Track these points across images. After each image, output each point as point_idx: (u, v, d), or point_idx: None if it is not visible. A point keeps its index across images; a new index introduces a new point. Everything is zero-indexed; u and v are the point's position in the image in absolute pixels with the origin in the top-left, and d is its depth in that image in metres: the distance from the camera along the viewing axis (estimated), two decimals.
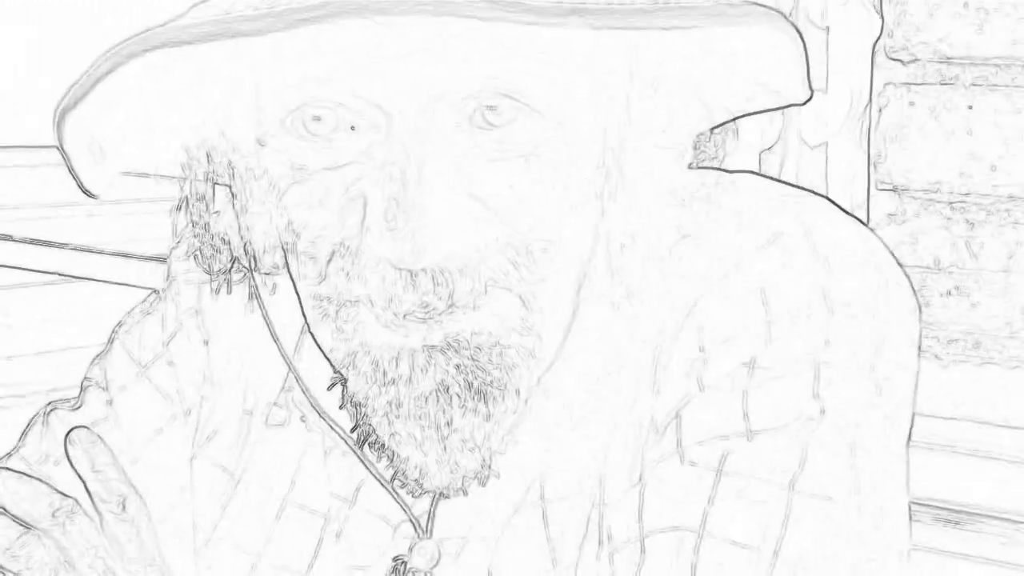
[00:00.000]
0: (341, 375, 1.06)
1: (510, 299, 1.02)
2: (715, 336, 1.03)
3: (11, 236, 2.37)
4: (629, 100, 1.05)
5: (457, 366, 1.02)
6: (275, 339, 1.14)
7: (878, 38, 1.57)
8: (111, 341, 1.23)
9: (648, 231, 1.06)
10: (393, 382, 1.02)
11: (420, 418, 1.02)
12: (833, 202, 1.09)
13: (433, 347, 1.01)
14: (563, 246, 1.03)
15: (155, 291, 1.25)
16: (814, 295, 1.02)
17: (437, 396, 1.02)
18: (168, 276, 1.23)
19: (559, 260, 1.03)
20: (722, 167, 1.11)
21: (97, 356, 1.24)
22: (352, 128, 1.01)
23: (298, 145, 1.02)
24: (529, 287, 1.02)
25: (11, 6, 2.42)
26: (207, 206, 1.10)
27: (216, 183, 1.09)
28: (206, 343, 1.19)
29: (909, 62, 1.59)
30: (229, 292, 1.15)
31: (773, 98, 1.06)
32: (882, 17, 1.55)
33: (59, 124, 1.06)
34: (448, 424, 1.02)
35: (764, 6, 1.01)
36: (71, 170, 1.08)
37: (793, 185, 1.11)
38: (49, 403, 1.24)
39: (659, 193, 1.06)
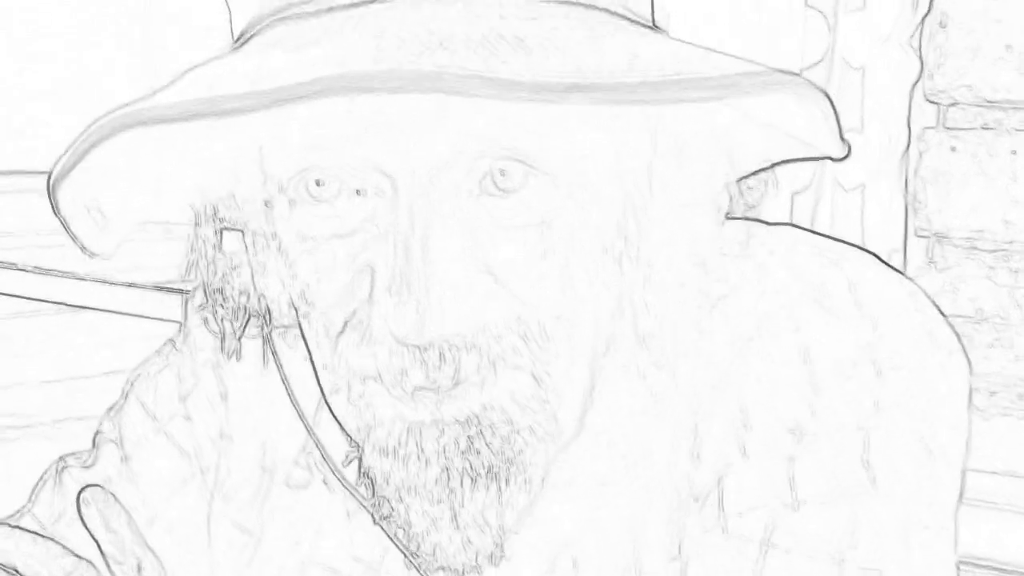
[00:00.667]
0: (358, 446, 1.02)
1: (522, 377, 0.98)
2: (757, 399, 0.99)
3: (15, 264, 2.34)
4: (651, 160, 1.00)
5: (469, 441, 0.97)
6: (294, 402, 1.11)
7: (917, 80, 1.53)
8: (125, 395, 1.20)
9: (678, 292, 1.02)
10: (404, 458, 0.98)
11: (432, 495, 0.99)
12: (877, 257, 1.05)
13: (444, 422, 0.97)
14: (578, 319, 0.99)
15: (171, 341, 1.21)
16: (861, 356, 0.98)
17: (448, 473, 0.98)
18: (184, 327, 1.20)
19: (575, 334, 0.99)
20: (756, 216, 1.07)
21: (110, 409, 1.21)
22: (357, 192, 0.97)
23: (304, 211, 0.98)
24: (542, 365, 0.98)
25: (14, 36, 2.39)
26: (218, 268, 1.06)
27: (227, 228, 1.05)
28: (224, 398, 1.16)
29: (949, 105, 1.56)
30: (239, 360, 1.11)
31: (806, 149, 1.02)
32: (921, 59, 1.52)
33: (53, 192, 1.01)
34: (460, 502, 0.99)
35: (784, 72, 0.96)
36: (71, 236, 1.04)
37: (834, 238, 1.07)
38: (61, 458, 1.20)
39: (690, 251, 1.02)
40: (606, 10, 0.97)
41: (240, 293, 1.05)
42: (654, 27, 1.02)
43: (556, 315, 0.97)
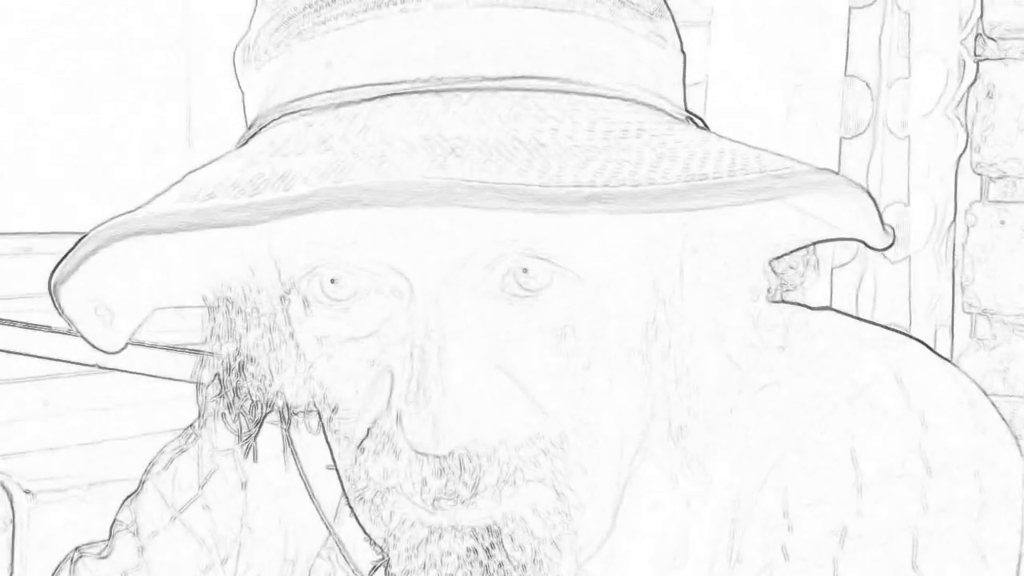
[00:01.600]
0: (383, 553, 0.97)
1: (543, 491, 0.92)
2: (800, 500, 0.94)
3: (50, 327, 2.33)
4: (682, 254, 0.94)
5: (488, 550, 0.92)
6: (315, 503, 1.06)
7: (963, 152, 1.48)
8: (142, 483, 1.16)
9: (713, 387, 0.96)
10: (424, 564, 0.93)
11: None
12: (926, 345, 0.99)
13: (463, 529, 0.92)
14: (601, 424, 0.93)
15: (190, 426, 1.17)
16: (910, 454, 0.93)
17: None
18: (201, 413, 1.14)
19: (598, 441, 0.93)
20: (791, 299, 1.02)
21: (128, 498, 1.16)
22: (375, 293, 0.91)
23: (319, 312, 0.93)
24: (564, 479, 0.93)
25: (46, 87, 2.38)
26: (233, 363, 1.00)
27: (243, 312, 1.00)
28: (243, 487, 1.11)
29: (997, 178, 1.52)
30: (255, 460, 1.07)
31: (848, 232, 0.96)
32: (967, 131, 1.47)
33: (55, 295, 0.96)
34: None
35: (821, 169, 0.89)
36: (77, 333, 1.00)
37: (880, 325, 1.02)
38: (76, 548, 1.16)
39: (725, 344, 0.96)
40: (634, 101, 0.92)
41: (257, 389, 1.00)
42: (688, 114, 0.97)
43: (577, 421, 0.92)
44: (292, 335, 0.95)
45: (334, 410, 0.95)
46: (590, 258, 0.90)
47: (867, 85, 1.50)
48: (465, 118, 0.86)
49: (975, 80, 1.49)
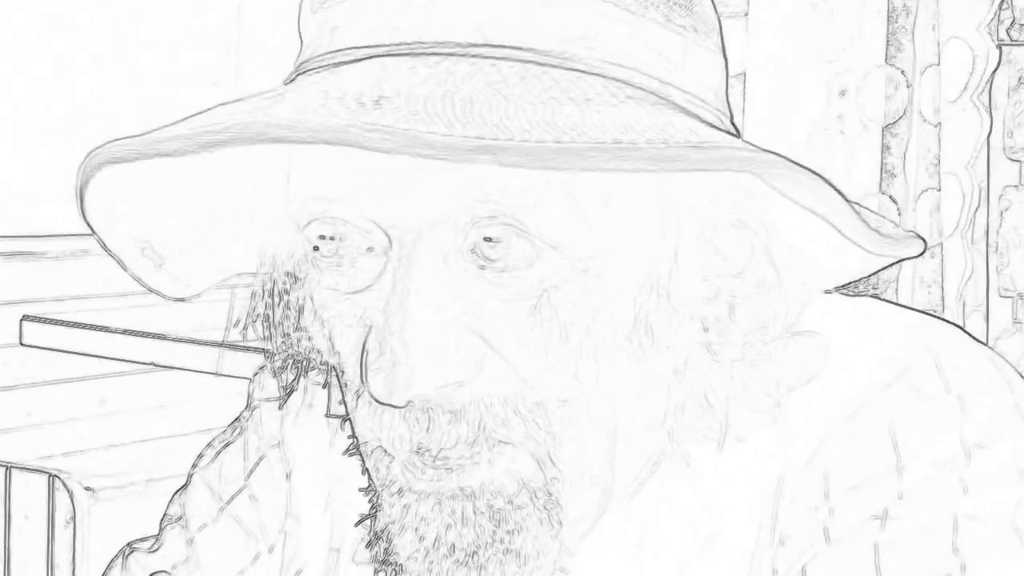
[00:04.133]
0: (372, 509, 0.97)
1: (520, 456, 0.91)
2: (841, 484, 0.92)
3: (108, 327, 2.33)
4: (677, 245, 0.93)
5: (464, 517, 0.92)
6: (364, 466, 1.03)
7: (988, 135, 1.46)
8: (190, 476, 1.15)
9: (747, 391, 0.95)
10: (405, 529, 0.93)
11: (422, 569, 0.93)
12: (964, 330, 0.97)
13: (442, 495, 0.92)
14: (589, 403, 0.92)
15: (237, 419, 1.16)
16: (949, 437, 0.91)
17: (439, 548, 0.93)
18: (249, 405, 1.15)
19: (585, 420, 0.92)
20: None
21: (177, 492, 1.16)
22: (369, 249, 0.91)
23: (327, 267, 0.93)
24: (543, 447, 0.91)
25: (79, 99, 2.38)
26: (280, 315, 1.00)
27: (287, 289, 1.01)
28: (288, 476, 1.10)
29: None
30: (280, 408, 1.09)
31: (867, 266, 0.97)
32: (991, 115, 1.44)
33: (84, 210, 0.99)
34: None
35: (763, 151, 0.88)
36: (136, 278, 1.02)
37: (917, 310, 1.00)
38: (128, 544, 1.15)
39: (709, 331, 0.94)
40: (623, 82, 0.91)
41: (296, 343, 1.00)
42: (726, 117, 0.97)
43: (562, 398, 0.91)
44: (311, 296, 0.96)
45: (337, 362, 0.95)
46: (571, 234, 0.89)
47: (903, 73, 1.47)
48: (423, 77, 0.87)
49: (998, 65, 1.47)
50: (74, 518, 2.09)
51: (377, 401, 0.89)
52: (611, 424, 0.93)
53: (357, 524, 1.01)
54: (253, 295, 1.00)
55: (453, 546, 0.92)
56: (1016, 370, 0.96)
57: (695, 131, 0.88)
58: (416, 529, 0.92)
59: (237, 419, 1.16)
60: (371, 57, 0.90)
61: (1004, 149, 1.50)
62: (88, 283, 2.39)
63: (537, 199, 0.88)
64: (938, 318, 0.99)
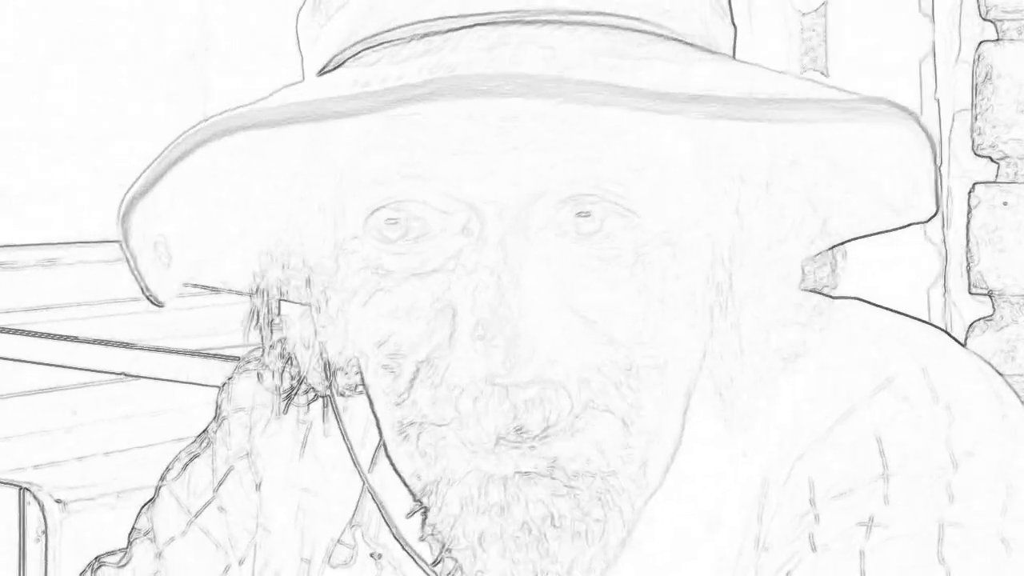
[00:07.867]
0: (422, 503, 0.92)
1: (611, 422, 0.89)
2: (827, 491, 0.90)
3: (76, 337, 2.29)
4: (739, 206, 0.92)
5: (553, 495, 0.89)
6: (356, 463, 1.01)
7: (949, 131, 1.43)
8: (158, 489, 1.12)
9: (756, 354, 0.93)
10: (482, 513, 0.89)
11: (512, 552, 0.89)
12: (950, 334, 0.96)
13: (527, 474, 0.88)
14: (671, 364, 0.91)
15: (204, 431, 1.13)
16: (935, 445, 0.89)
17: (530, 528, 0.89)
18: (217, 416, 1.11)
19: (667, 380, 0.91)
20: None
21: (145, 505, 1.13)
22: (441, 231, 0.89)
23: (381, 249, 0.90)
24: (634, 410, 0.89)
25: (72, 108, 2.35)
26: (275, 323, 0.98)
27: (283, 299, 0.98)
28: (258, 487, 1.07)
29: (999, 159, 1.47)
30: (284, 412, 1.05)
31: (892, 218, 0.94)
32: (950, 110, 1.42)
33: (125, 215, 0.94)
34: (542, 558, 0.89)
35: (899, 106, 0.88)
36: (135, 272, 0.96)
37: (903, 314, 0.97)
38: (96, 558, 1.13)
39: (767, 314, 0.93)
40: (705, 49, 0.93)
41: (299, 347, 0.98)
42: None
43: (649, 357, 0.89)
44: (346, 280, 0.92)
45: (380, 348, 0.91)
46: (653, 200, 0.89)
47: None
48: (562, 38, 0.85)
49: (956, 61, 1.45)
50: (45, 531, 2.04)
51: (487, 382, 0.87)
52: (686, 387, 0.93)
53: (408, 516, 0.97)
54: (258, 291, 0.98)
55: (541, 524, 0.89)
56: (999, 373, 0.95)
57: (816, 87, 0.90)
58: (502, 512, 0.88)
59: (205, 431, 1.12)
60: (473, 26, 0.88)
61: (973, 146, 1.49)
62: (57, 293, 2.36)
63: (632, 169, 0.88)
64: (925, 322, 0.97)
